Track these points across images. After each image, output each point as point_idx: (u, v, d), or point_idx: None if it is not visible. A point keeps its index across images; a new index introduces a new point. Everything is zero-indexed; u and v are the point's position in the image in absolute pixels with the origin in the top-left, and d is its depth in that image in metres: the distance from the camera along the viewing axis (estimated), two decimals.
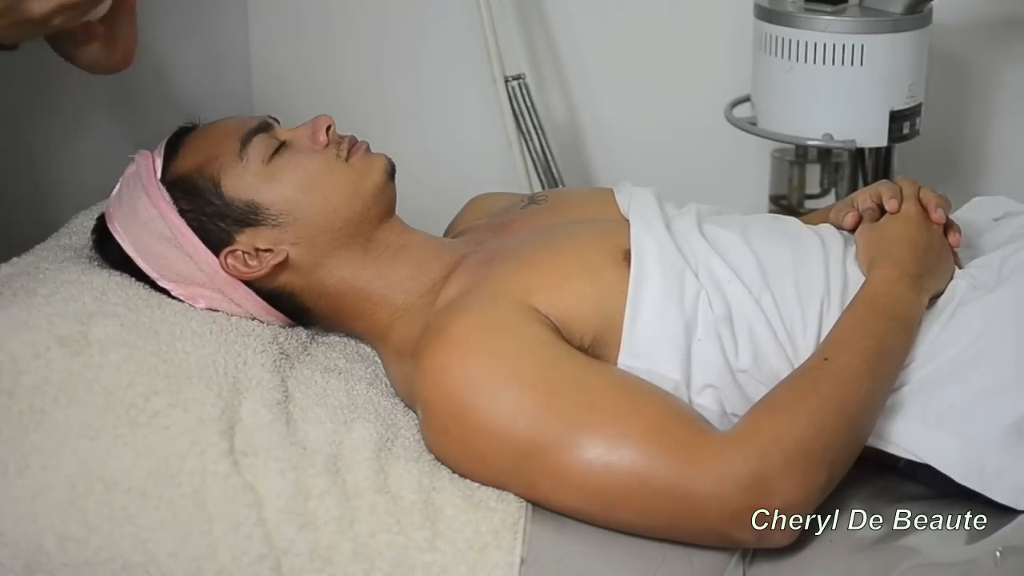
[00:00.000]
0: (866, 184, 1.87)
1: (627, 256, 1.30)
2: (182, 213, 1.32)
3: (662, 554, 1.15)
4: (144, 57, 1.97)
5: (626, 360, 1.25)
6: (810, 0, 1.78)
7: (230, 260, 1.32)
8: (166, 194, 1.33)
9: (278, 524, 1.12)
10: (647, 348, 1.24)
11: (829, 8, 1.75)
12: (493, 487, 1.19)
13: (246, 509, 1.12)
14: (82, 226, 1.48)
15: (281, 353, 1.31)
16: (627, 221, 1.36)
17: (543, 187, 2.09)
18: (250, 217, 1.32)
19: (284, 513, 1.13)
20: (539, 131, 2.08)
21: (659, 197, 1.42)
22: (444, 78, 2.23)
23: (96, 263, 1.37)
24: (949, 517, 1.19)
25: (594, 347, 1.25)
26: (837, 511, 1.19)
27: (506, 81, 2.06)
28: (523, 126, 2.08)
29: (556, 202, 1.49)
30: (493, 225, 1.46)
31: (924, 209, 1.36)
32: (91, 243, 1.40)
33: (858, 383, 1.18)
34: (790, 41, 1.74)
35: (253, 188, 1.32)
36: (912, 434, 1.21)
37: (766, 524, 1.12)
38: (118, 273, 1.34)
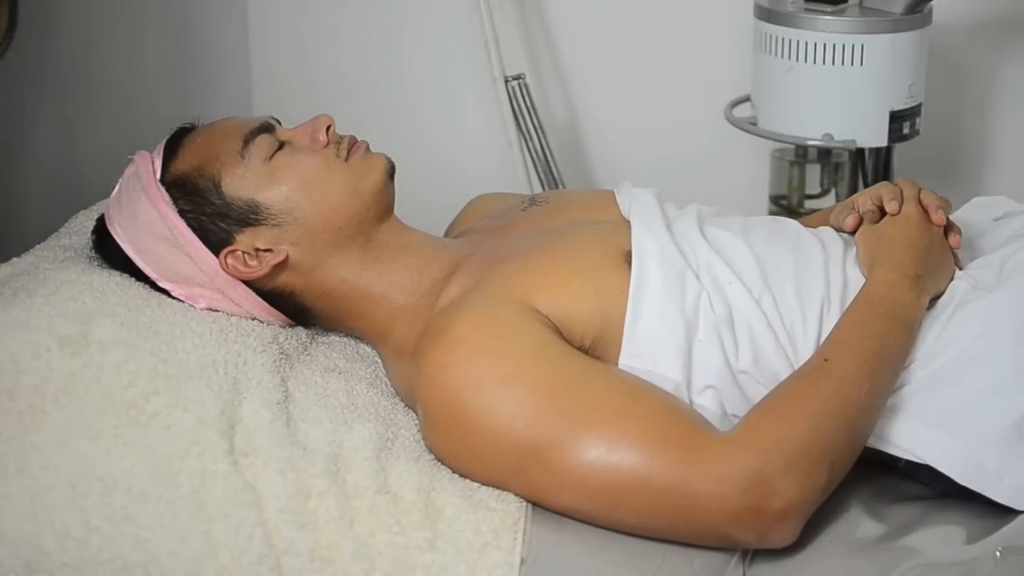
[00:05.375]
0: (866, 184, 1.88)
1: (628, 257, 1.30)
2: (182, 213, 1.32)
3: (662, 554, 1.15)
4: (144, 57, 1.98)
5: (627, 361, 1.25)
6: (810, 0, 1.78)
7: (230, 260, 1.32)
8: (165, 194, 1.33)
9: (278, 524, 1.12)
10: (648, 349, 1.25)
11: (829, 8, 1.75)
12: (493, 487, 1.19)
13: (246, 509, 1.12)
14: (82, 226, 1.48)
15: (281, 353, 1.31)
16: (628, 222, 1.36)
17: (543, 187, 2.09)
18: (250, 217, 1.32)
19: (284, 513, 1.13)
20: (539, 131, 2.08)
21: (659, 198, 1.42)
22: (444, 78, 2.23)
23: (96, 263, 1.37)
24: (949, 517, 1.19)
25: (595, 348, 1.25)
26: (837, 511, 1.20)
27: (506, 81, 2.06)
28: (523, 126, 2.08)
29: (557, 203, 1.49)
30: (494, 226, 1.46)
31: (924, 211, 1.36)
32: (91, 243, 1.40)
33: (858, 384, 1.18)
34: (790, 41, 1.74)
35: (254, 187, 1.32)
36: (912, 434, 1.21)
37: (766, 524, 1.12)
38: (118, 273, 1.34)
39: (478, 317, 1.23)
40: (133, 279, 1.34)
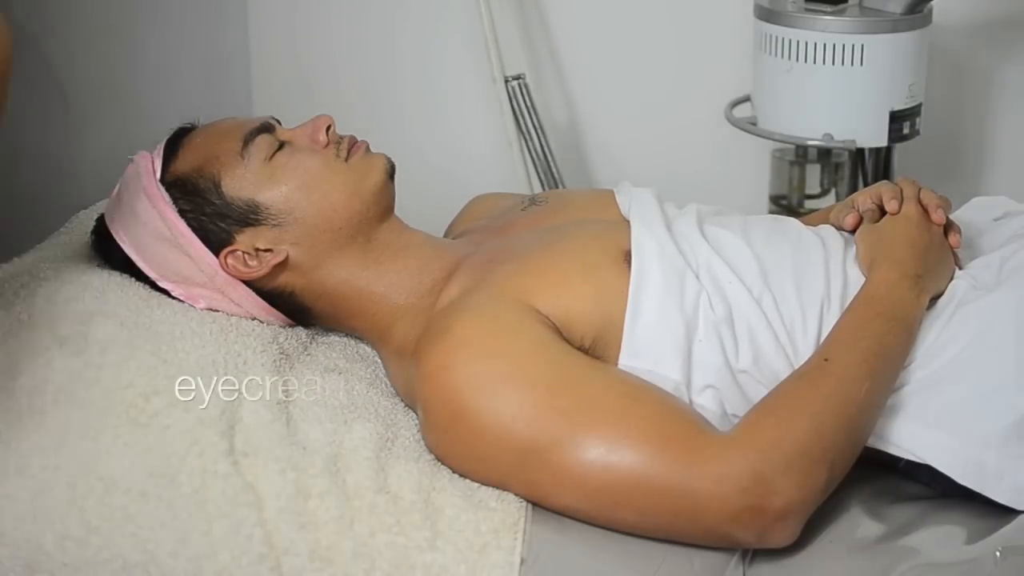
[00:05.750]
0: (866, 184, 1.88)
1: (628, 257, 1.30)
2: (182, 213, 1.32)
3: (662, 554, 1.15)
4: (144, 57, 1.98)
5: (627, 360, 1.25)
6: (810, 0, 1.78)
7: (230, 260, 1.32)
8: (165, 194, 1.33)
9: (278, 524, 1.12)
10: (648, 348, 1.24)
11: (829, 8, 1.75)
12: (493, 487, 1.19)
13: (246, 509, 1.12)
14: (82, 226, 1.48)
15: (281, 353, 1.31)
16: (627, 222, 1.36)
17: (543, 187, 2.09)
18: (250, 217, 1.32)
19: (284, 513, 1.13)
20: (539, 131, 2.08)
21: (659, 198, 1.42)
22: (444, 78, 2.23)
23: (96, 263, 1.37)
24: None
25: (595, 347, 1.25)
26: (837, 511, 1.20)
27: (506, 81, 2.06)
28: (523, 126, 2.08)
29: (557, 203, 1.49)
30: (494, 226, 1.46)
31: (924, 210, 1.36)
32: (91, 243, 1.40)
33: (858, 383, 1.18)
34: (790, 41, 1.74)
35: (253, 187, 1.32)
36: (912, 434, 1.21)
37: (766, 524, 1.12)
38: (118, 273, 1.34)
39: (478, 317, 1.23)
40: (133, 279, 1.34)
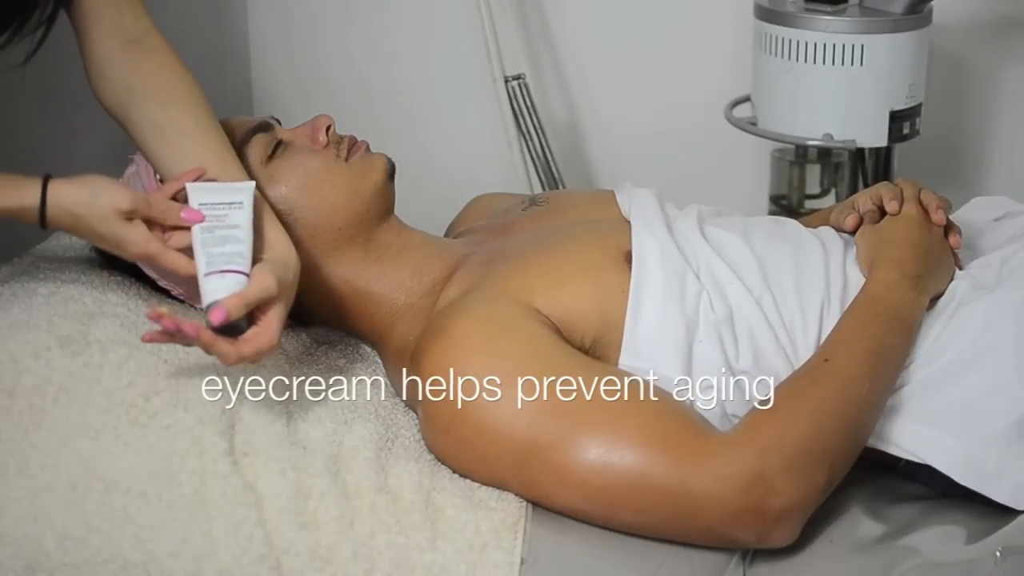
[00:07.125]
0: (866, 184, 1.88)
1: (628, 257, 1.30)
2: None
3: (662, 554, 1.15)
4: None
5: (627, 361, 1.25)
6: (810, 0, 1.78)
7: None
8: None
9: (278, 524, 1.12)
10: (648, 349, 1.24)
11: (829, 8, 1.76)
12: (493, 487, 1.19)
13: (246, 509, 1.12)
14: None
15: (281, 353, 1.31)
16: (628, 222, 1.36)
17: (543, 187, 2.09)
18: None
19: (284, 513, 1.13)
20: (539, 131, 2.08)
21: (660, 198, 1.42)
22: (444, 78, 2.23)
23: (96, 263, 1.37)
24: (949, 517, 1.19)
25: (595, 348, 1.25)
26: (837, 511, 1.20)
27: (506, 81, 2.06)
28: (523, 126, 2.08)
29: (557, 203, 1.49)
30: (494, 226, 1.46)
31: (924, 210, 1.36)
32: (91, 243, 1.40)
33: (858, 384, 1.18)
34: (790, 41, 1.74)
35: None
36: (912, 434, 1.21)
37: (766, 524, 1.12)
38: (118, 273, 1.34)
39: (478, 317, 1.23)
40: (133, 279, 1.34)
